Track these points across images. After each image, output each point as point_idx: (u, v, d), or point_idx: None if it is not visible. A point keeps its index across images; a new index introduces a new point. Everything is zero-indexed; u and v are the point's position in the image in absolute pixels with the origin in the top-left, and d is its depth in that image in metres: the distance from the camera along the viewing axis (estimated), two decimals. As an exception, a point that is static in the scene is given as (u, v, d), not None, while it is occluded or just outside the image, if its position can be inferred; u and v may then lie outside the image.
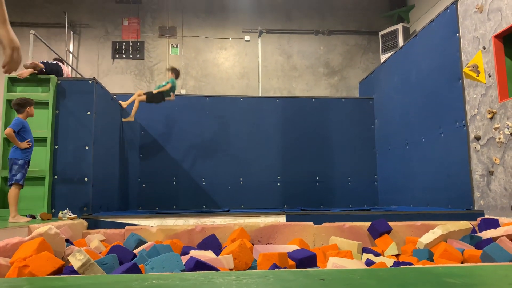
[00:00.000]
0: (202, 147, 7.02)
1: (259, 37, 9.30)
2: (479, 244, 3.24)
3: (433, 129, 5.30)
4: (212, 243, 3.61)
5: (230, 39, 9.27)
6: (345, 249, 3.29)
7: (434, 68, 5.30)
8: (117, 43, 9.05)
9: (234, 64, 9.21)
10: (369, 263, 2.77)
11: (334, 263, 2.52)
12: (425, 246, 3.28)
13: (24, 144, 4.02)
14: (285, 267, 2.59)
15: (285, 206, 6.90)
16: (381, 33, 8.78)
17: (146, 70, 9.02)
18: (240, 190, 6.95)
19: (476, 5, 4.48)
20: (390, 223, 3.84)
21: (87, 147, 4.83)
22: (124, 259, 2.81)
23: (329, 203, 7.00)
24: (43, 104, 4.79)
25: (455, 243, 3.25)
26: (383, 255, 3.33)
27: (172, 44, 9.15)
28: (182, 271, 2.34)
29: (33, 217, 4.30)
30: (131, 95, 6.73)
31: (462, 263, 2.91)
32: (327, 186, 7.09)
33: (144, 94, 5.77)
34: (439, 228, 3.38)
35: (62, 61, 5.79)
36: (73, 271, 2.23)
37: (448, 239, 3.34)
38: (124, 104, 6.03)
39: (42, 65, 4.98)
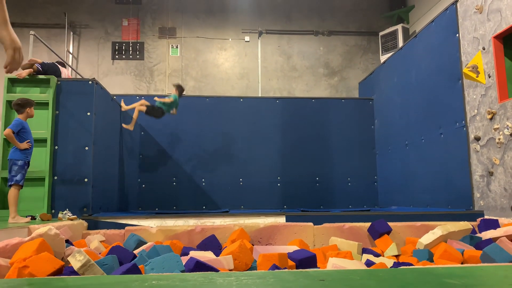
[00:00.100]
0: (202, 147, 7.02)
1: (259, 38, 9.30)
2: (479, 244, 3.24)
3: (433, 130, 5.30)
4: (212, 243, 3.61)
5: (230, 39, 9.27)
6: (345, 249, 3.29)
7: (434, 69, 5.30)
8: (117, 44, 9.05)
9: (234, 65, 9.21)
10: (369, 263, 2.77)
11: (334, 263, 2.52)
12: (425, 247, 3.29)
13: (24, 145, 4.02)
14: (285, 268, 2.58)
15: (285, 206, 6.90)
16: (381, 33, 8.79)
17: (146, 71, 9.03)
18: (240, 191, 6.95)
19: (475, 5, 4.49)
20: (390, 223, 3.84)
21: (87, 148, 4.83)
22: (124, 259, 2.81)
23: (329, 203, 7.00)
24: (43, 104, 4.79)
25: (455, 244, 3.25)
26: (383, 256, 3.33)
27: (172, 45, 9.16)
28: (182, 271, 2.34)
29: (33, 217, 4.29)
30: (131, 95, 6.73)
31: (462, 263, 2.91)
32: (327, 187, 7.09)
33: (146, 106, 5.62)
34: (439, 229, 3.38)
35: (63, 64, 5.79)
36: (73, 272, 2.23)
37: (448, 239, 3.34)
38: (124, 107, 5.94)
39: (39, 60, 4.97)
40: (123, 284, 1.36)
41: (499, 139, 4.07)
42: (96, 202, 4.90)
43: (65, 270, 2.29)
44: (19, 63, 1.58)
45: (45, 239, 2.53)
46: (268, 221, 4.22)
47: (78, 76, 8.01)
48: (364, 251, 3.38)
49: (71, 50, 8.88)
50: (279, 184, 7.03)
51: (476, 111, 4.46)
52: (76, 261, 2.18)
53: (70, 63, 8.61)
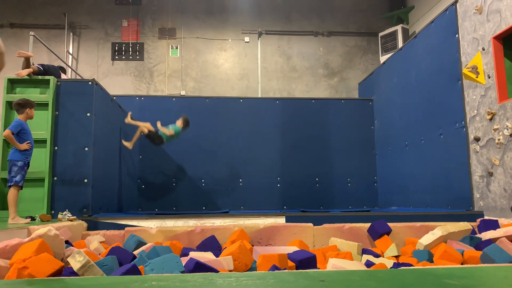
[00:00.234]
0: (201, 148, 7.02)
1: (258, 38, 9.31)
2: (479, 245, 3.24)
3: (433, 130, 5.30)
4: (211, 244, 3.61)
5: (230, 40, 9.28)
6: (345, 250, 3.29)
7: (434, 69, 5.30)
8: (117, 45, 9.05)
9: (233, 65, 9.21)
10: (369, 264, 2.77)
11: (334, 264, 2.52)
12: (425, 247, 3.29)
13: (24, 146, 4.02)
14: (285, 269, 2.58)
15: (284, 207, 6.90)
16: (381, 34, 8.79)
17: (146, 72, 9.03)
18: (240, 191, 6.95)
19: (475, 6, 4.49)
20: (389, 224, 3.84)
21: (86, 149, 4.83)
22: (123, 260, 2.81)
23: (329, 204, 7.00)
24: (42, 105, 4.78)
25: (455, 244, 3.25)
26: (383, 256, 3.33)
27: (171, 46, 9.16)
28: (182, 272, 2.34)
29: (32, 218, 4.29)
30: (131, 95, 6.72)
31: (462, 264, 2.91)
32: (327, 187, 7.09)
33: (148, 130, 5.54)
34: (439, 229, 3.38)
35: (64, 70, 5.80)
36: (73, 273, 2.23)
37: (448, 240, 3.34)
38: (129, 120, 5.69)
39: (30, 54, 4.97)
40: (123, 285, 1.36)
41: (498, 139, 4.07)
42: (95, 203, 4.90)
43: (64, 271, 2.29)
44: (1, 68, 1.58)
45: (45, 240, 2.53)
46: (268, 221, 4.22)
47: (78, 77, 8.01)
48: (364, 251, 3.38)
49: (71, 51, 8.88)
50: (279, 185, 7.03)
51: (475, 111, 4.46)
52: (75, 262, 2.17)
53: (70, 64, 8.61)
